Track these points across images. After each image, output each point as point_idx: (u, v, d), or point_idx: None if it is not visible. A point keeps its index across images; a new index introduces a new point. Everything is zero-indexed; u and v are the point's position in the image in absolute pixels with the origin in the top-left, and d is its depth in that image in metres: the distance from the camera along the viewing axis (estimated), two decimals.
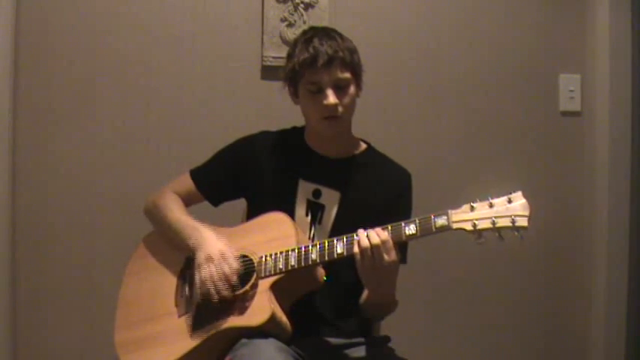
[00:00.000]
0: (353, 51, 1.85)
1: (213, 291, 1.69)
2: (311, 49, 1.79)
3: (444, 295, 2.72)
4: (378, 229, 1.63)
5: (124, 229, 2.45)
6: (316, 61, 1.78)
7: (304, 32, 1.91)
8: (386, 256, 1.61)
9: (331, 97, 1.78)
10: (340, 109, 1.80)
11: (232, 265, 1.71)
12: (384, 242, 1.61)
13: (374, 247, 1.60)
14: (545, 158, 2.78)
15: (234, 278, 1.71)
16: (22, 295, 2.47)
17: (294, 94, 1.89)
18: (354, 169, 1.91)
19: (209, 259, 1.72)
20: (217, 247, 1.74)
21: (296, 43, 1.88)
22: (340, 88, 1.80)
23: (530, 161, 2.76)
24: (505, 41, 2.75)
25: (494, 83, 2.74)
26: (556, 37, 2.78)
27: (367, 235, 1.62)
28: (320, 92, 1.79)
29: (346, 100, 1.81)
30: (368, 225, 1.65)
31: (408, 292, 2.60)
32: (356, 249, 1.62)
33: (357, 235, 1.64)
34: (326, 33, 1.85)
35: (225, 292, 1.69)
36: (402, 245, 1.86)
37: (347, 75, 1.81)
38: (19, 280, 2.46)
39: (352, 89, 1.83)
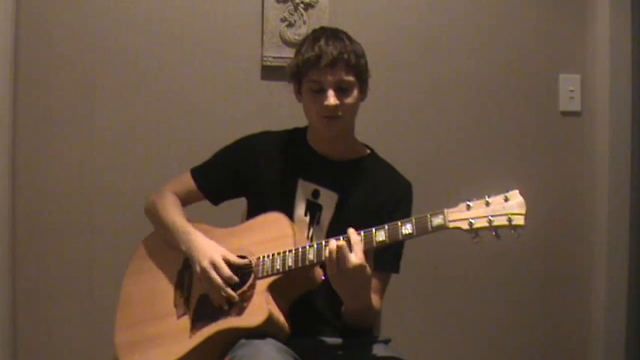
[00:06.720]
0: (360, 55, 1.84)
1: (221, 300, 1.71)
2: (316, 49, 1.80)
3: (444, 295, 2.72)
4: (352, 231, 1.64)
5: (124, 229, 2.46)
6: (320, 61, 1.78)
7: (314, 31, 1.91)
8: (353, 256, 1.59)
9: (331, 98, 1.78)
10: (340, 111, 1.80)
11: (224, 273, 1.72)
12: (353, 242, 1.61)
13: (339, 247, 1.60)
14: (545, 158, 2.77)
15: (234, 280, 1.72)
16: (22, 295, 2.47)
17: (298, 92, 1.89)
18: (355, 172, 1.90)
19: (204, 269, 1.73)
20: (208, 254, 1.75)
21: (304, 41, 1.89)
22: (342, 90, 1.80)
23: (530, 161, 2.76)
24: (505, 41, 2.75)
25: (494, 83, 2.74)
26: (556, 37, 2.78)
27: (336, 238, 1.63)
28: (322, 92, 1.79)
29: (347, 102, 1.81)
30: (362, 228, 1.65)
31: (408, 293, 2.63)
32: (326, 252, 1.63)
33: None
34: (334, 34, 1.85)
35: (231, 296, 1.71)
36: (394, 254, 1.87)
37: (350, 78, 1.80)
38: (19, 280, 2.46)
39: (355, 93, 1.82)
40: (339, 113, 1.80)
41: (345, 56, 1.79)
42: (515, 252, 2.71)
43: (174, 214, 1.90)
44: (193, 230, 1.84)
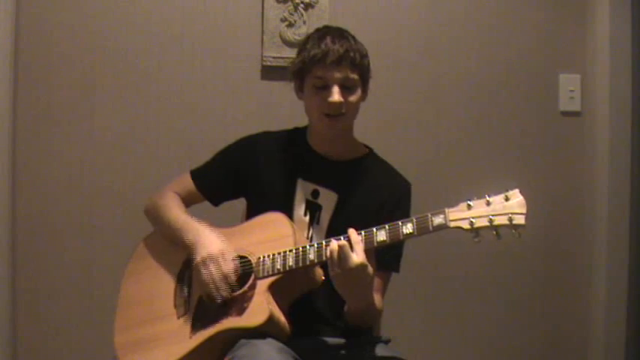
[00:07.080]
0: (364, 55, 1.86)
1: (214, 291, 1.70)
2: (323, 46, 1.80)
3: (444, 295, 2.72)
4: (352, 231, 1.63)
5: (124, 229, 2.46)
6: (326, 58, 1.79)
7: (318, 29, 1.91)
8: (354, 256, 1.59)
9: (336, 95, 1.78)
10: (343, 108, 1.81)
11: (229, 265, 1.71)
12: (354, 242, 1.61)
13: (341, 247, 1.60)
14: (545, 158, 2.77)
15: (233, 277, 1.71)
16: (22, 295, 2.47)
17: (300, 89, 1.89)
18: (354, 172, 1.91)
19: (208, 258, 1.72)
20: (216, 246, 1.74)
21: (308, 38, 1.89)
22: (346, 88, 1.81)
23: (530, 161, 2.76)
24: (505, 41, 2.75)
25: (494, 83, 2.74)
26: (556, 37, 2.78)
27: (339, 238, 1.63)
28: (325, 89, 1.80)
29: (350, 100, 1.82)
30: (362, 228, 1.65)
31: (408, 293, 2.63)
32: (327, 252, 1.63)
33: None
34: (340, 33, 1.86)
35: (225, 293, 1.70)
36: (395, 254, 1.88)
37: (355, 76, 1.82)
38: (19, 280, 2.46)
39: (358, 91, 1.84)
40: (343, 110, 1.81)
41: (351, 54, 1.81)
42: (516, 252, 2.71)
43: (177, 210, 1.90)
44: (199, 222, 1.83)
